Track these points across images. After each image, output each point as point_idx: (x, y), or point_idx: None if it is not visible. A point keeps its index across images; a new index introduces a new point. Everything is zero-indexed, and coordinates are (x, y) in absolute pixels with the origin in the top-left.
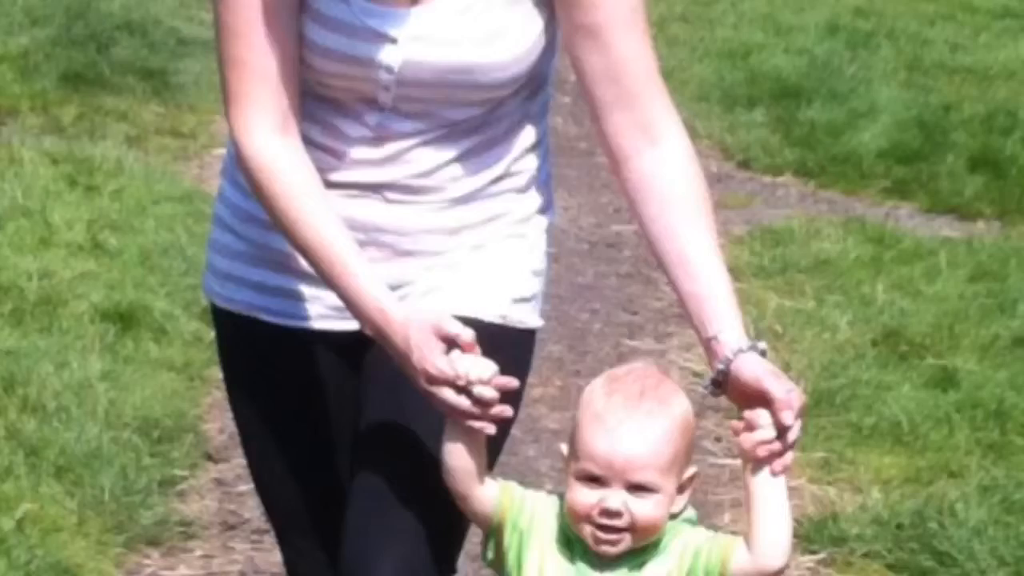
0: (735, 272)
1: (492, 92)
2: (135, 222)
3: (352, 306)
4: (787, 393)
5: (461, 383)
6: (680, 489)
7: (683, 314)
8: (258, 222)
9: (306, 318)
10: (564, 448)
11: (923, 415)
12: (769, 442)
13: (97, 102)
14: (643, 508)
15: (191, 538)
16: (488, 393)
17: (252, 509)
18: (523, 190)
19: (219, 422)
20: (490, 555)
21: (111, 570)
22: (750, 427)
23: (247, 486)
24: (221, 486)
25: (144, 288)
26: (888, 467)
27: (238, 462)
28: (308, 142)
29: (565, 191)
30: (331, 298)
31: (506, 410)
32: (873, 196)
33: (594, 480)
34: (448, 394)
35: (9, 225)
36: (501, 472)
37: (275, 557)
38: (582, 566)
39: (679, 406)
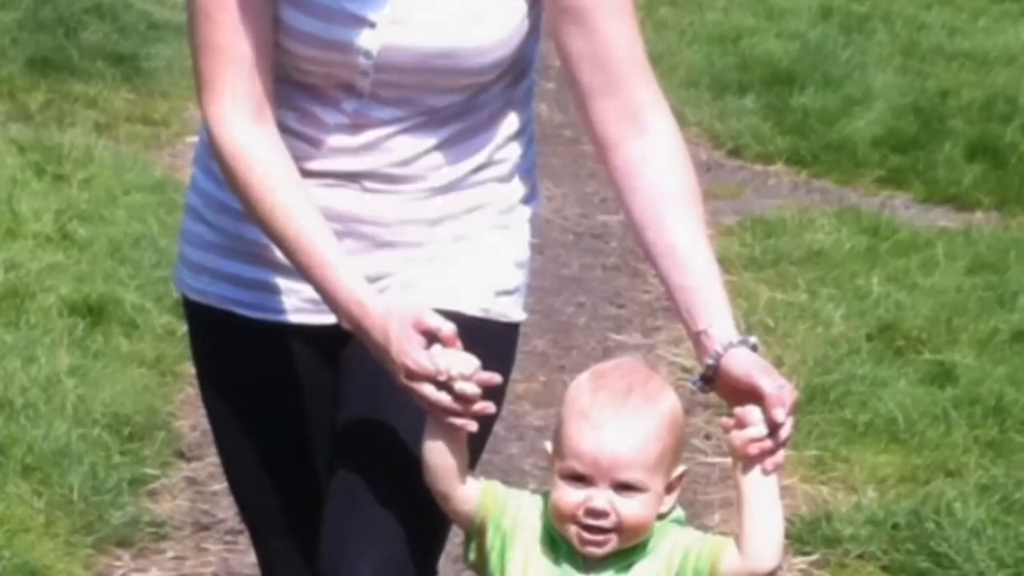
0: (725, 264)
1: (473, 78)
2: (105, 212)
3: (329, 299)
4: (779, 389)
5: (442, 378)
6: (668, 488)
7: (671, 307)
8: (232, 212)
9: (282, 311)
10: (548, 446)
11: (919, 412)
12: (760, 440)
13: (65, 88)
14: (630, 508)
15: (163, 539)
16: (470, 389)
17: (226, 509)
18: (506, 179)
19: (192, 419)
20: (472, 556)
21: (80, 572)
22: (741, 424)
23: (220, 485)
24: (194, 485)
25: (114, 280)
26: (883, 465)
27: (211, 460)
28: (284, 129)
29: (550, 180)
30: (308, 291)
31: (488, 406)
32: (868, 185)
33: (579, 479)
34: (428, 390)
35: None
36: (483, 471)
37: (250, 558)
38: (567, 568)
39: (667, 403)
